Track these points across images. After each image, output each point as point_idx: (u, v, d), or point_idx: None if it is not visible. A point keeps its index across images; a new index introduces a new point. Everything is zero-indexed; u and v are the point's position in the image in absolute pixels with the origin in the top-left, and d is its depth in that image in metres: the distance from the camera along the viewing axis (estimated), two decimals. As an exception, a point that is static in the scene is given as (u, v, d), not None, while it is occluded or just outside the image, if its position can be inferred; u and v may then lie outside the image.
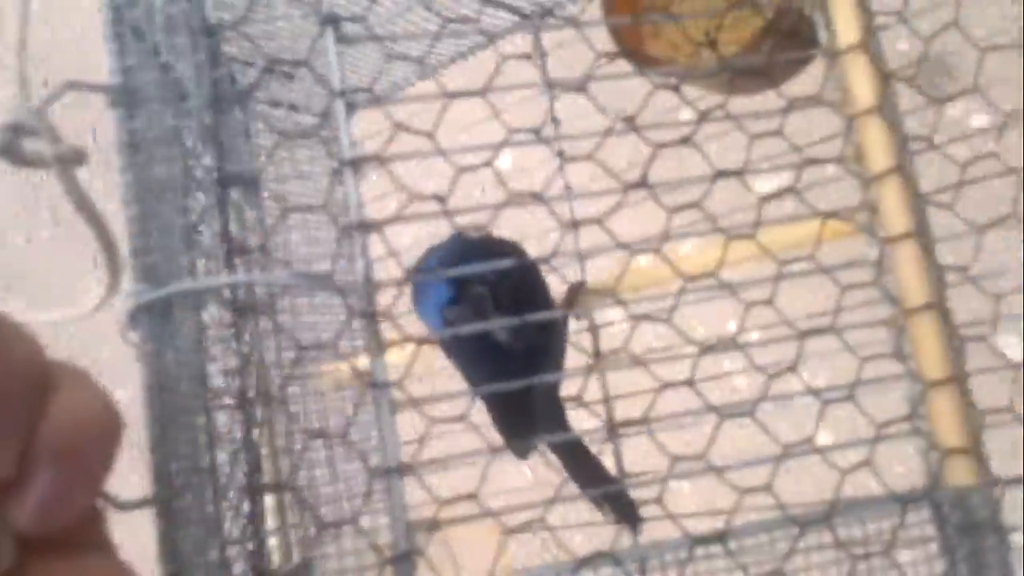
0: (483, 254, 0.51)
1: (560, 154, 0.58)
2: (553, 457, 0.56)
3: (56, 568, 0.22)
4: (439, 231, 0.53)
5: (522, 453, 0.53)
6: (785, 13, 0.65)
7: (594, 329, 0.47)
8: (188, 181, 0.35)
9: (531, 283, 0.53)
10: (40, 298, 1.70)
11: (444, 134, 0.37)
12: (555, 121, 0.63)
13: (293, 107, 0.47)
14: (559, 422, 0.57)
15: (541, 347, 0.53)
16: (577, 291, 0.53)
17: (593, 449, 0.56)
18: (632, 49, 0.81)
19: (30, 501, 0.21)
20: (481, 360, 0.54)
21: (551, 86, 0.42)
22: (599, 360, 0.45)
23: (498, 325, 0.36)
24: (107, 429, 0.22)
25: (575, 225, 0.40)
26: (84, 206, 0.34)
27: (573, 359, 0.55)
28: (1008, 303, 0.39)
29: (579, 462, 0.56)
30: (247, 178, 0.36)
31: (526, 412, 0.53)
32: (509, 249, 0.55)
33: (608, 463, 0.54)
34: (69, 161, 0.33)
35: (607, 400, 0.48)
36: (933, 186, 0.42)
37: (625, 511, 0.53)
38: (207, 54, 0.33)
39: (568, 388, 0.59)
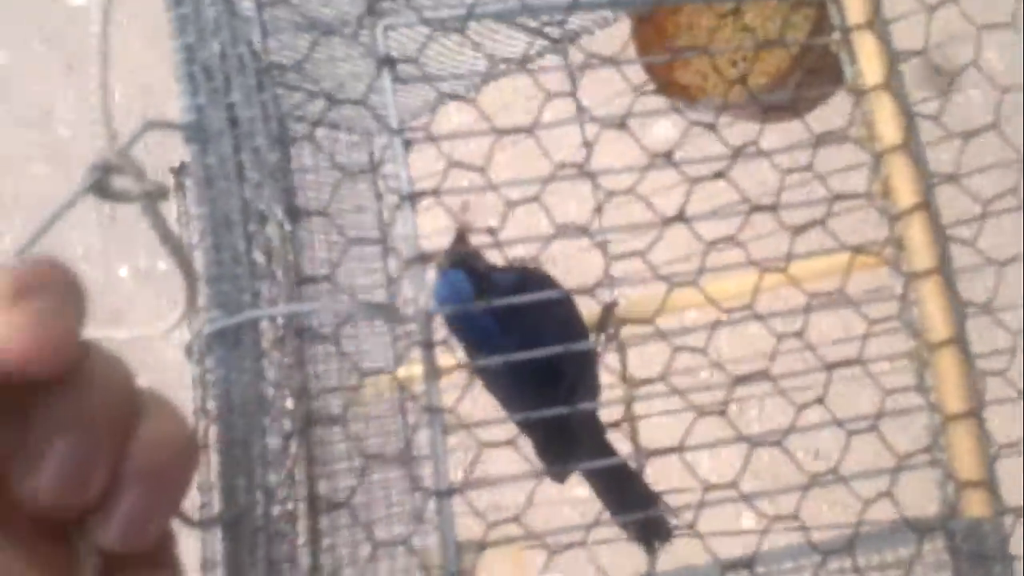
0: (515, 287, 0.52)
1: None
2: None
3: None
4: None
5: (560, 478, 0.55)
6: (810, 49, 0.67)
7: (623, 352, 0.49)
8: (253, 214, 0.37)
9: (564, 314, 0.55)
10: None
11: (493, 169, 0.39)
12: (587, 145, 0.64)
13: (336, 128, 0.49)
14: (601, 446, 0.58)
15: (577, 374, 0.54)
16: (609, 312, 0.54)
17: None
18: (662, 78, 0.83)
19: (117, 520, 0.23)
20: (519, 390, 0.55)
21: (592, 120, 0.44)
22: (630, 384, 0.47)
23: (544, 353, 0.39)
24: (187, 452, 0.25)
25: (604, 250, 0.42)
26: (168, 238, 0.36)
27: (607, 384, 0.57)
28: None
29: (620, 485, 0.57)
30: (314, 211, 0.38)
31: (564, 439, 0.54)
32: (542, 281, 0.56)
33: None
34: (154, 196, 0.36)
35: (632, 422, 0.50)
36: (954, 218, 0.44)
37: (655, 531, 0.55)
38: (270, 94, 0.35)
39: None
